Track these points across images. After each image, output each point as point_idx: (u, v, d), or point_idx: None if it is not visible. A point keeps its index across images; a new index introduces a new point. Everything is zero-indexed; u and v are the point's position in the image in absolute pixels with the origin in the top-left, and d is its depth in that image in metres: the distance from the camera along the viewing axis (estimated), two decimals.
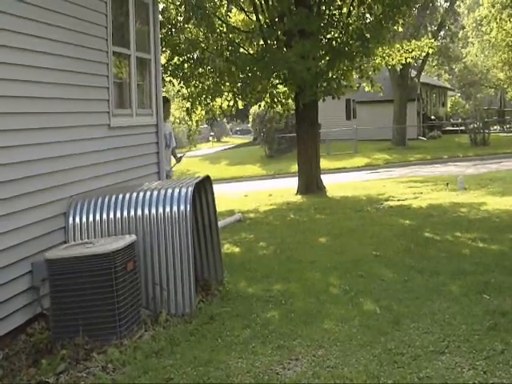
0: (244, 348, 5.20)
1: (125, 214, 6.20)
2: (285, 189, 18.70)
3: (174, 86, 17.23)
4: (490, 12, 41.40)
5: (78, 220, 6.24)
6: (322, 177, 17.63)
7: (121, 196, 6.34)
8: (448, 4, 40.65)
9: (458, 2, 44.08)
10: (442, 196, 14.53)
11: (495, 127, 40.67)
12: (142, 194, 6.32)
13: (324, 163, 20.63)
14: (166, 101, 10.71)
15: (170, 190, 6.27)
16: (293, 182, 18.27)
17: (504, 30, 41.10)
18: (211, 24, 15.40)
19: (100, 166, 7.39)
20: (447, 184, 16.43)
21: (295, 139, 18.82)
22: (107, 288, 5.26)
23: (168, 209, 6.12)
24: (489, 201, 12.97)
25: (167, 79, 15.99)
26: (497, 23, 41.06)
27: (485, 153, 28.34)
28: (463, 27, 55.28)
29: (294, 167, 19.24)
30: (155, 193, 6.29)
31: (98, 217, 6.24)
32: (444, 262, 7.80)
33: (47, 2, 6.22)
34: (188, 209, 6.09)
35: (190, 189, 6.25)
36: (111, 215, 6.22)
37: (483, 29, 45.50)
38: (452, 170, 22.70)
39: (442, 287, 6.69)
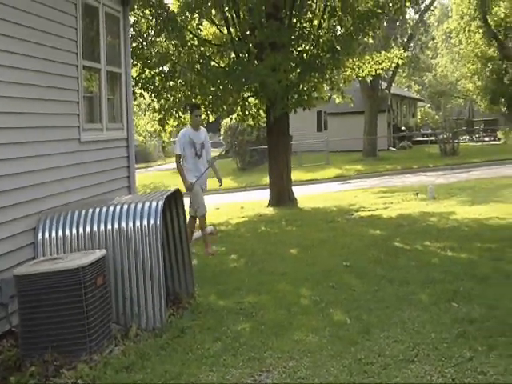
0: (215, 361, 5.21)
1: (95, 228, 6.18)
2: (256, 201, 18.72)
3: (144, 98, 17.21)
4: (459, 24, 42.00)
5: (47, 235, 6.21)
6: (294, 188, 17.69)
7: (91, 210, 6.32)
8: (418, 16, 41.13)
9: (427, 14, 44.60)
10: (412, 206, 14.67)
11: (464, 137, 41.17)
12: (112, 209, 6.31)
13: (296, 175, 20.71)
14: (197, 107, 10.90)
15: (140, 204, 6.27)
16: (264, 195, 18.31)
17: (473, 41, 41.70)
18: (182, 37, 15.42)
19: (70, 180, 7.36)
20: (417, 194, 16.59)
21: (267, 151, 18.88)
22: (77, 303, 5.24)
23: (138, 223, 6.12)
24: (458, 210, 13.12)
25: (138, 92, 15.96)
26: (466, 35, 41.66)
27: (454, 162, 28.62)
28: (433, 38, 56.01)
29: (266, 179, 19.28)
30: (125, 207, 6.28)
31: (67, 232, 6.21)
32: (414, 271, 7.88)
33: (15, 15, 6.19)
34: (158, 223, 6.09)
35: (160, 202, 6.25)
36: (81, 230, 6.20)
37: (452, 41, 46.16)
38: (422, 179, 22.90)
39: (411, 296, 6.77)
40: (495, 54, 40.47)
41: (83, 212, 6.31)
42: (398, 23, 37.65)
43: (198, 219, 10.58)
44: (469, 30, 41.31)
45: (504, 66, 36.54)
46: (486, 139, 39.76)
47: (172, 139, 19.41)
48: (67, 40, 7.47)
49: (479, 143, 36.90)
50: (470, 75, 43.94)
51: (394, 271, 7.96)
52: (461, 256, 8.71)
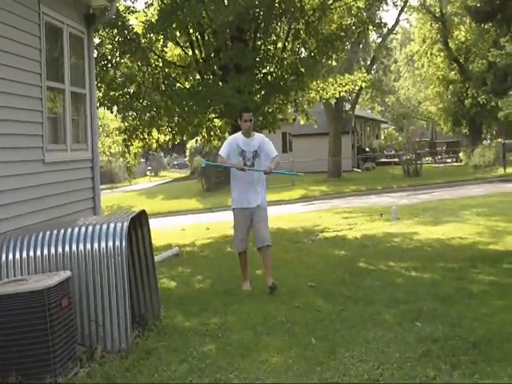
0: (181, 383, 5.18)
1: (59, 249, 6.12)
2: (222, 222, 18.70)
3: (112, 113, 17.19)
4: (421, 47, 42.77)
5: (11, 257, 6.14)
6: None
7: (55, 232, 6.27)
8: (380, 40, 41.71)
9: (390, 37, 45.27)
10: (376, 226, 14.79)
11: (427, 158, 41.69)
12: (76, 230, 6.26)
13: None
14: (244, 110, 8.67)
15: (105, 226, 6.24)
16: (230, 216, 18.28)
17: (435, 64, 42.46)
18: (146, 58, 15.46)
19: (34, 201, 7.31)
20: (381, 214, 16.73)
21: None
22: (41, 325, 5.19)
23: (103, 244, 6.08)
24: (421, 230, 13.27)
25: (101, 112, 15.96)
26: (428, 58, 42.42)
27: (417, 183, 28.95)
28: (396, 61, 56.86)
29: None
30: (90, 228, 6.25)
31: (31, 253, 6.15)
32: (378, 292, 7.94)
33: None
34: (123, 244, 6.06)
35: (126, 224, 6.23)
36: (45, 251, 6.14)
37: (415, 64, 46.94)
38: (386, 200, 23.12)
39: (376, 316, 6.81)
40: (456, 76, 41.24)
41: (47, 233, 6.25)
42: (360, 46, 38.14)
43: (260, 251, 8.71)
44: (431, 54, 42.12)
45: (465, 88, 37.18)
46: (449, 160, 40.32)
47: (138, 161, 19.31)
48: (31, 61, 7.45)
49: (442, 164, 37.39)
50: (432, 97, 44.72)
51: (358, 291, 8.01)
52: (424, 276, 8.80)
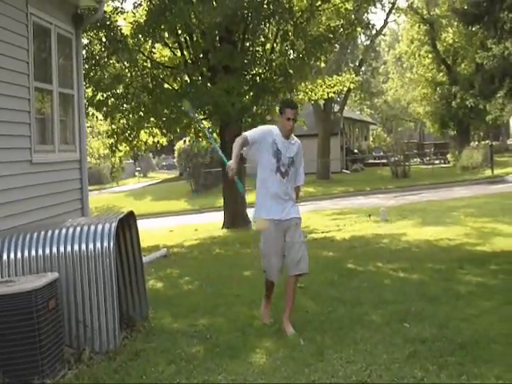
0: None
1: (47, 251, 6.10)
2: (211, 223, 18.73)
3: (98, 120, 17.15)
4: (409, 48, 42.92)
5: None
6: (249, 210, 17.72)
7: (43, 233, 6.24)
8: (369, 41, 41.90)
9: (378, 39, 45.47)
10: (364, 227, 14.83)
11: (415, 160, 41.82)
12: (64, 231, 6.24)
13: (250, 197, 20.73)
14: (287, 105, 6.72)
15: (92, 227, 6.22)
16: (219, 217, 18.32)
17: (423, 65, 42.62)
18: (133, 59, 15.43)
19: (22, 202, 7.28)
20: (369, 216, 16.77)
21: (221, 174, 18.91)
22: (29, 327, 5.17)
23: (91, 245, 6.06)
24: (409, 231, 13.32)
25: (91, 113, 15.91)
26: (416, 59, 42.58)
27: (405, 185, 29.06)
28: (384, 63, 57.06)
29: (220, 202, 19.30)
30: (78, 229, 6.23)
31: (19, 254, 6.12)
32: (366, 293, 7.95)
33: None
34: (111, 245, 6.05)
35: (114, 225, 6.22)
36: (33, 252, 6.11)
37: (404, 65, 47.11)
38: (374, 201, 23.18)
39: (364, 317, 6.82)
40: (444, 78, 41.40)
41: (35, 234, 6.23)
42: (349, 48, 38.27)
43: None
44: (419, 55, 42.28)
45: (453, 90, 37.31)
46: (437, 162, 40.46)
47: (125, 162, 19.31)
48: (18, 61, 7.43)
49: (430, 166, 37.51)
50: (420, 99, 44.87)
51: (347, 292, 8.02)
52: (412, 277, 8.83)
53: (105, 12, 12.94)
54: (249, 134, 6.58)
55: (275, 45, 16.68)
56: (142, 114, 16.08)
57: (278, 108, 7.11)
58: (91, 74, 15.37)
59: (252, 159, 6.79)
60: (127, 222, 7.14)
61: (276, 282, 6.73)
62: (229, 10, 14.28)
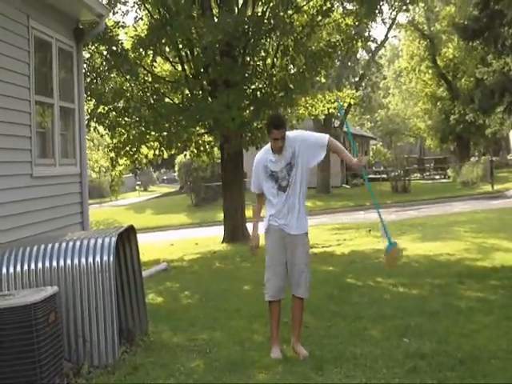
0: None
1: (47, 264, 6.09)
2: (211, 237, 18.71)
3: (99, 133, 17.18)
4: (409, 64, 43.09)
5: None
6: (249, 225, 17.70)
7: (43, 246, 6.24)
8: (370, 55, 42.02)
9: (379, 54, 45.64)
10: (364, 242, 14.82)
11: (415, 175, 41.87)
12: (64, 245, 6.24)
13: (250, 212, 20.71)
14: (274, 126, 6.12)
15: (92, 240, 6.22)
16: (219, 231, 18.30)
17: (423, 80, 42.76)
18: (134, 72, 15.48)
19: (22, 216, 7.29)
20: (369, 231, 16.77)
21: (221, 188, 18.95)
22: (28, 340, 5.15)
23: (91, 259, 6.06)
24: (409, 246, 13.29)
25: (92, 126, 15.95)
26: (416, 74, 42.74)
27: (405, 200, 29.05)
28: (384, 77, 57.21)
29: (221, 216, 19.29)
30: (78, 243, 6.23)
31: (18, 268, 6.11)
32: (366, 307, 7.95)
33: None
34: (111, 259, 6.04)
35: (114, 239, 6.22)
36: (32, 266, 6.10)
37: (402, 80, 47.26)
38: (374, 216, 23.05)
39: (364, 332, 6.82)
40: (444, 93, 41.52)
41: (35, 248, 6.23)
42: (349, 63, 38.38)
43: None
44: (419, 71, 42.44)
45: (453, 105, 37.41)
46: (437, 177, 40.50)
47: (126, 176, 19.35)
48: (20, 75, 7.46)
49: (430, 181, 37.56)
50: (421, 114, 45.00)
51: (346, 307, 8.01)
52: (412, 292, 8.82)
53: (106, 26, 12.97)
54: (252, 187, 6.47)
55: (275, 59, 16.74)
56: (143, 128, 16.10)
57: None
58: (92, 86, 15.41)
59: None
60: (127, 236, 7.14)
61: (278, 303, 6.27)
62: (230, 28, 14.34)
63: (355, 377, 5.38)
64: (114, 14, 16.10)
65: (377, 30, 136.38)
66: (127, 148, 16.65)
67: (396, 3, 27.15)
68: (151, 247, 16.89)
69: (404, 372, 5.41)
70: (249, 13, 16.14)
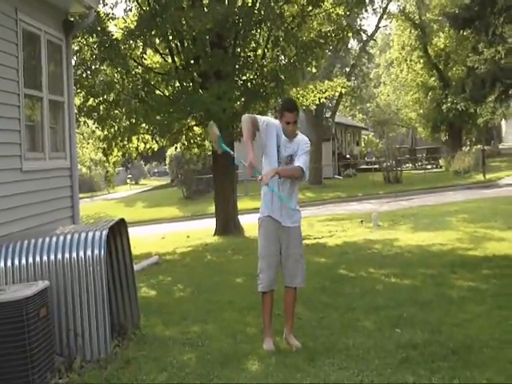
0: None
1: (37, 259, 6.07)
2: (202, 230, 18.68)
3: (88, 126, 17.08)
4: (401, 54, 43.04)
5: None
6: (240, 217, 17.68)
7: (33, 241, 6.21)
8: (361, 45, 41.94)
9: (370, 44, 45.56)
10: (356, 233, 14.83)
11: (407, 165, 41.92)
12: (55, 239, 6.22)
13: (242, 204, 20.72)
14: (286, 109, 6.27)
15: (83, 234, 6.19)
16: (211, 224, 18.28)
17: (414, 70, 42.72)
18: (125, 64, 15.40)
19: (12, 210, 7.25)
20: (362, 221, 16.79)
21: (213, 180, 18.90)
22: (19, 335, 5.13)
23: (82, 253, 6.04)
24: (401, 237, 13.33)
25: (82, 120, 15.86)
26: (407, 64, 42.70)
27: (398, 190, 29.07)
28: (377, 66, 57.17)
29: (212, 208, 19.27)
30: (69, 237, 6.20)
31: (9, 263, 6.08)
32: (358, 298, 7.97)
33: None
34: (102, 253, 6.02)
35: (104, 232, 6.19)
36: (23, 261, 6.07)
37: (394, 69, 47.22)
38: (367, 207, 23.19)
39: (356, 323, 6.83)
40: (436, 83, 41.51)
41: (25, 242, 6.20)
42: (341, 53, 38.33)
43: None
44: (410, 60, 42.39)
45: (444, 95, 37.39)
46: (429, 167, 40.55)
47: (117, 169, 19.29)
48: (8, 68, 7.39)
49: (422, 171, 37.60)
50: (412, 104, 44.99)
51: (339, 298, 8.02)
52: (404, 282, 8.84)
53: (96, 16, 12.85)
54: (260, 119, 6.21)
55: (266, 50, 16.67)
56: (133, 120, 16.02)
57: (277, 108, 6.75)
58: (82, 79, 15.32)
59: (259, 142, 6.18)
60: (118, 230, 7.11)
61: (270, 294, 6.28)
62: (219, 16, 14.28)
63: (348, 368, 5.39)
64: (104, 5, 15.99)
65: (368, 20, 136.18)
66: (118, 140, 16.56)
67: None
68: (143, 241, 16.86)
69: (396, 362, 5.42)
70: (239, 3, 16.05)
